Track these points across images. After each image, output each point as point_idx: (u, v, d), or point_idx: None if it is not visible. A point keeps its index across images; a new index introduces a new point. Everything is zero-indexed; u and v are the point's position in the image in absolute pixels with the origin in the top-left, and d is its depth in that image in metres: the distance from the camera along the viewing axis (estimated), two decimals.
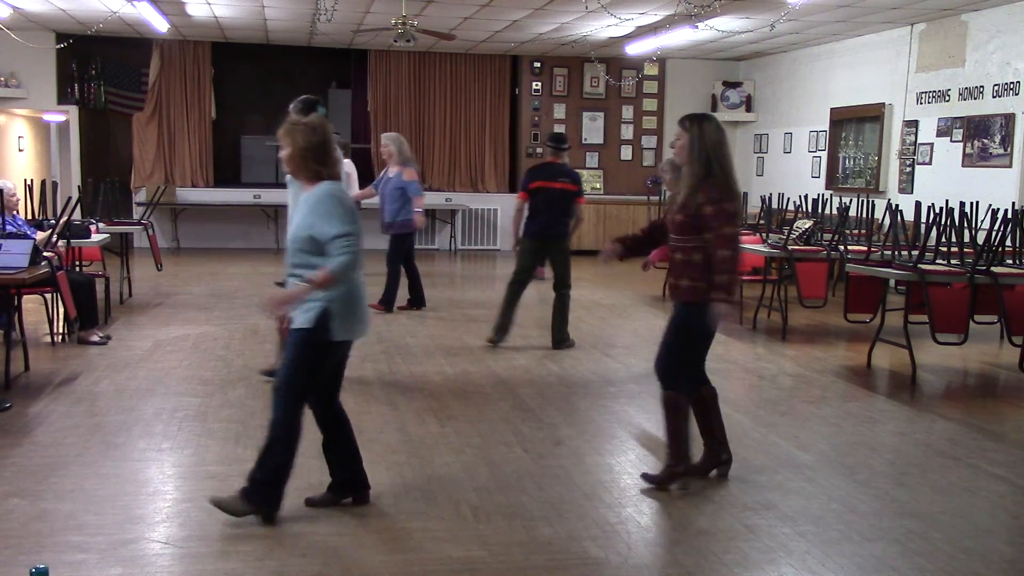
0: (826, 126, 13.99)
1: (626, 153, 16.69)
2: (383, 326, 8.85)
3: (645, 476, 4.72)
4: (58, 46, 13.90)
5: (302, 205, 4.07)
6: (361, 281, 4.12)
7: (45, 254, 6.76)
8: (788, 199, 11.23)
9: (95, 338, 7.65)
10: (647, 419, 5.98)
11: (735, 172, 4.63)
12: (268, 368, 6.51)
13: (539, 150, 16.50)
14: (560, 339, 8.04)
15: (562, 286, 8.06)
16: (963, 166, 11.28)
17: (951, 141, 11.49)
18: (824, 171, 14.04)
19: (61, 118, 15.62)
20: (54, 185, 10.30)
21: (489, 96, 16.43)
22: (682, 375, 4.68)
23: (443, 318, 9.41)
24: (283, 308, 4.03)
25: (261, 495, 4.01)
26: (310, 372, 4.03)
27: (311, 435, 5.32)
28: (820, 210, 10.05)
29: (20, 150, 16.09)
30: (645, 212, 15.18)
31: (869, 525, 4.21)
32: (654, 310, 10.27)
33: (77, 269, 8.65)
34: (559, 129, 16.51)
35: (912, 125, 12.21)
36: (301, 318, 3.98)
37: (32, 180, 9.46)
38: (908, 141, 12.29)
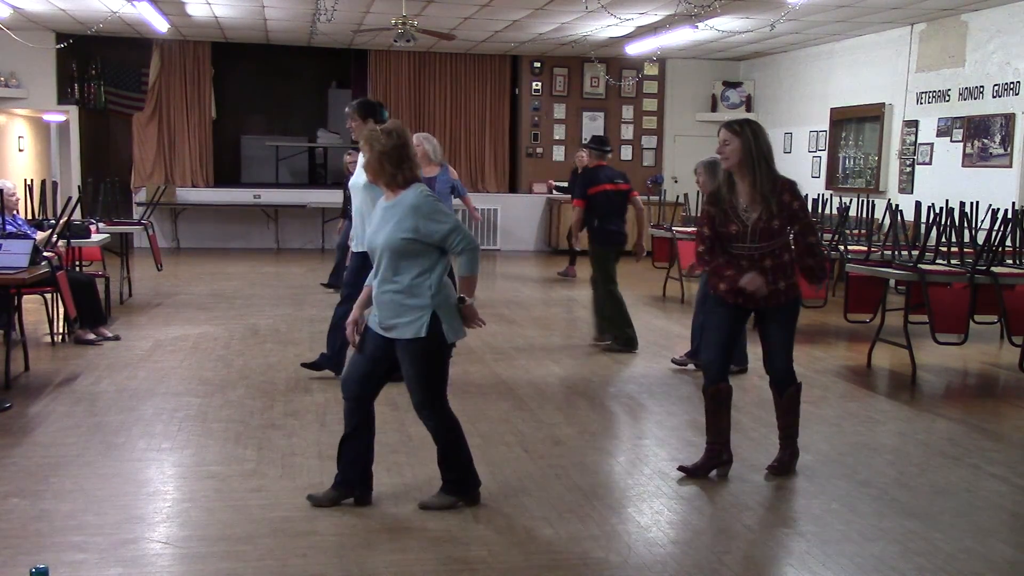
0: (826, 126, 13.99)
1: (626, 153, 16.70)
2: None
3: (773, 469, 4.86)
4: (58, 46, 13.90)
5: (388, 212, 4.13)
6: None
7: (45, 254, 6.76)
8: None
9: (91, 336, 7.65)
10: (648, 419, 5.98)
11: None
12: (309, 361, 6.80)
13: (539, 150, 16.51)
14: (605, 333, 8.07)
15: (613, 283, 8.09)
16: (963, 166, 11.28)
17: (951, 141, 11.50)
18: (824, 171, 14.04)
19: (61, 118, 15.62)
20: (54, 185, 10.31)
21: (489, 96, 16.43)
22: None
23: None
24: (479, 321, 4.24)
25: (460, 486, 4.29)
26: (439, 376, 4.19)
27: (311, 435, 5.33)
28: (820, 210, 10.05)
29: (20, 150, 16.09)
30: (645, 212, 15.19)
31: (869, 525, 4.21)
32: (654, 310, 10.28)
33: (77, 269, 8.65)
34: (559, 129, 16.54)
35: (912, 125, 12.21)
36: (411, 328, 4.06)
37: (32, 180, 9.46)
38: (908, 141, 12.29)
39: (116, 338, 7.81)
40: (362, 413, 4.27)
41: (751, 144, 4.56)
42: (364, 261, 5.46)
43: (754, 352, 8.14)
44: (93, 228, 8.60)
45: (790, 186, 4.67)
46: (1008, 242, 7.56)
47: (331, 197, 15.33)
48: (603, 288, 8.02)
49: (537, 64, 16.31)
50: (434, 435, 4.29)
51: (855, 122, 13.42)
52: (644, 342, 8.21)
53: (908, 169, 12.32)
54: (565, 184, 15.21)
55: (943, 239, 7.61)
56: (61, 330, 7.86)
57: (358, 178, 5.98)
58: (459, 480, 4.29)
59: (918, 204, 9.84)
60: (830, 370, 7.46)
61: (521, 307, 10.28)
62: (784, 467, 4.87)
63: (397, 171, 4.11)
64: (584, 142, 16.00)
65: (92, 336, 7.66)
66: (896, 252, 7.75)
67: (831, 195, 12.83)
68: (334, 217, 15.98)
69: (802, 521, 4.25)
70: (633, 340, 7.95)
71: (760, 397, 6.62)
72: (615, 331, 7.98)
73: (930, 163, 11.90)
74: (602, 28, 13.04)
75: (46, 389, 6.22)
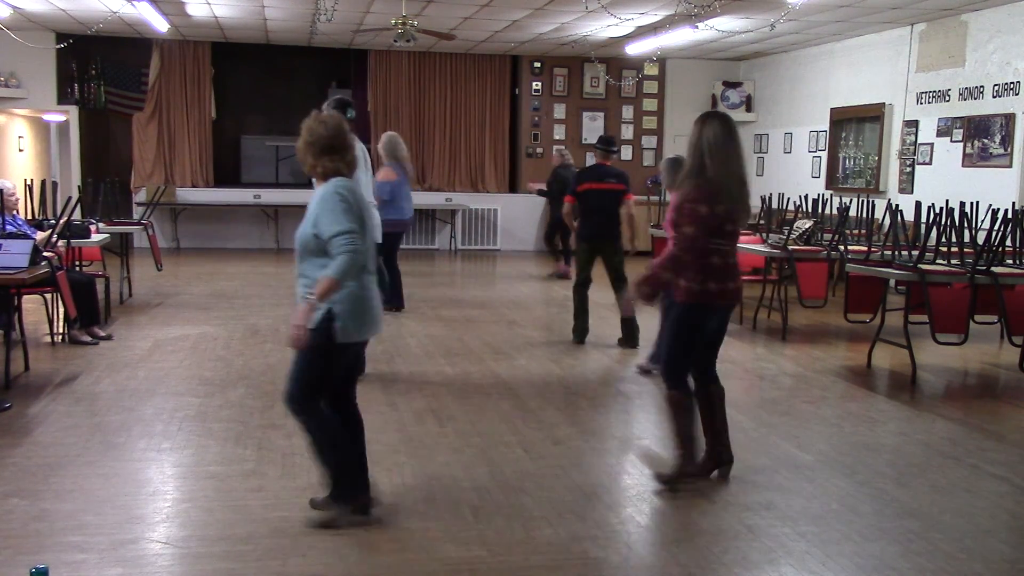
0: (826, 126, 13.99)
1: (626, 153, 16.70)
2: (383, 326, 8.84)
3: (659, 476, 4.70)
4: (58, 46, 13.90)
5: (310, 203, 4.04)
6: (368, 281, 4.05)
7: (45, 254, 6.76)
8: (788, 199, 11.23)
9: (86, 338, 7.64)
10: (647, 419, 5.98)
11: (739, 172, 4.52)
12: None
13: (539, 150, 16.52)
14: (635, 336, 8.05)
15: (622, 284, 8.06)
16: (963, 166, 11.28)
17: (951, 141, 11.50)
18: (824, 171, 14.04)
19: (61, 118, 15.62)
20: (54, 185, 10.31)
21: (489, 96, 16.44)
22: (684, 373, 4.67)
23: (443, 318, 9.40)
24: (302, 334, 3.83)
25: (339, 492, 4.05)
26: (317, 374, 3.97)
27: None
28: (820, 210, 10.05)
29: (20, 150, 16.09)
30: (645, 212, 15.18)
31: (869, 525, 4.21)
32: (653, 310, 10.26)
33: (77, 269, 8.65)
34: (559, 129, 16.54)
35: (912, 125, 12.21)
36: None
37: (32, 180, 9.46)
38: (908, 141, 12.29)
39: (109, 337, 7.80)
40: (341, 417, 4.13)
41: (692, 136, 4.55)
42: None
43: (753, 352, 8.15)
44: (93, 228, 8.60)
45: (688, 187, 4.47)
46: (1008, 242, 7.55)
47: None
48: (575, 281, 8.22)
49: (537, 64, 16.31)
50: (303, 432, 4.09)
51: (855, 122, 13.42)
52: (645, 342, 8.21)
53: (908, 169, 12.32)
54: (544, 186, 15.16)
55: (943, 239, 7.61)
56: (61, 330, 7.86)
57: None
58: (336, 486, 4.06)
59: (918, 204, 9.83)
60: (830, 370, 7.46)
61: (521, 307, 10.28)
62: (669, 478, 4.63)
63: (316, 162, 3.99)
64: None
65: (87, 337, 7.66)
66: (896, 252, 7.74)
67: (831, 195, 12.83)
68: None
69: (802, 521, 4.25)
70: (579, 333, 8.19)
71: (761, 397, 6.62)
72: (577, 323, 8.25)
73: (930, 163, 11.90)
74: (602, 28, 13.04)
75: (46, 389, 6.22)
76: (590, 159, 16.40)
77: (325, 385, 4.04)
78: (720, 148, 4.48)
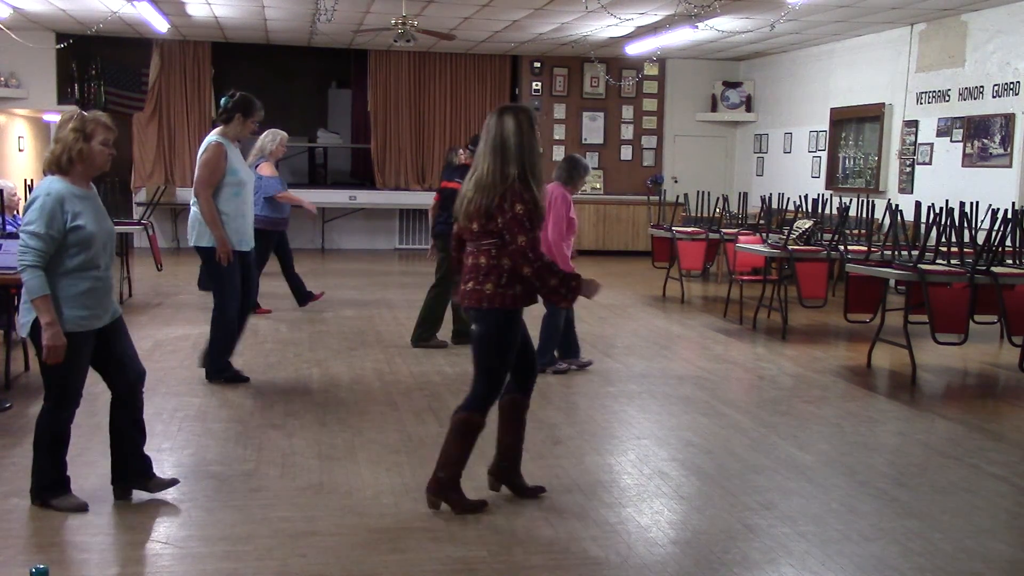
0: (826, 126, 13.99)
1: (626, 153, 16.70)
2: (383, 326, 8.85)
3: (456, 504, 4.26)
4: (58, 46, 13.90)
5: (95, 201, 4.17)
6: None
7: None
8: (788, 199, 11.23)
9: None
10: (647, 419, 5.98)
11: (482, 167, 4.40)
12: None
13: (539, 150, 16.51)
14: (416, 336, 7.89)
15: (436, 282, 7.86)
16: (963, 166, 11.28)
17: (951, 141, 11.50)
18: (824, 171, 14.04)
19: None
20: None
21: (489, 96, 16.42)
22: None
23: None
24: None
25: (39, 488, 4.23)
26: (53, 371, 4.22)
27: (311, 435, 5.32)
28: (820, 210, 10.05)
29: (20, 150, 16.08)
30: (645, 212, 15.18)
31: (869, 525, 4.21)
32: (654, 310, 10.27)
33: None
34: (559, 129, 16.53)
35: (912, 125, 12.21)
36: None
37: (32, 180, 9.45)
38: (908, 141, 12.29)
39: None
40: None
41: None
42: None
43: (753, 352, 8.15)
44: None
45: None
46: (1008, 242, 7.56)
47: (331, 197, 15.35)
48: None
49: (537, 64, 16.31)
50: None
51: (855, 122, 13.42)
52: (644, 342, 8.21)
53: (908, 169, 12.32)
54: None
55: (943, 239, 7.61)
56: None
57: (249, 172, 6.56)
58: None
59: (918, 204, 9.83)
60: (830, 370, 7.46)
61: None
62: (440, 499, 4.24)
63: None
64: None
65: None
66: (896, 252, 7.75)
67: (831, 195, 12.84)
68: (334, 217, 15.99)
69: (802, 521, 4.25)
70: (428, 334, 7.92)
71: (761, 397, 6.62)
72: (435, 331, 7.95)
73: (930, 163, 11.90)
74: (602, 28, 13.04)
75: None
76: (591, 159, 16.49)
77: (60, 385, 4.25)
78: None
